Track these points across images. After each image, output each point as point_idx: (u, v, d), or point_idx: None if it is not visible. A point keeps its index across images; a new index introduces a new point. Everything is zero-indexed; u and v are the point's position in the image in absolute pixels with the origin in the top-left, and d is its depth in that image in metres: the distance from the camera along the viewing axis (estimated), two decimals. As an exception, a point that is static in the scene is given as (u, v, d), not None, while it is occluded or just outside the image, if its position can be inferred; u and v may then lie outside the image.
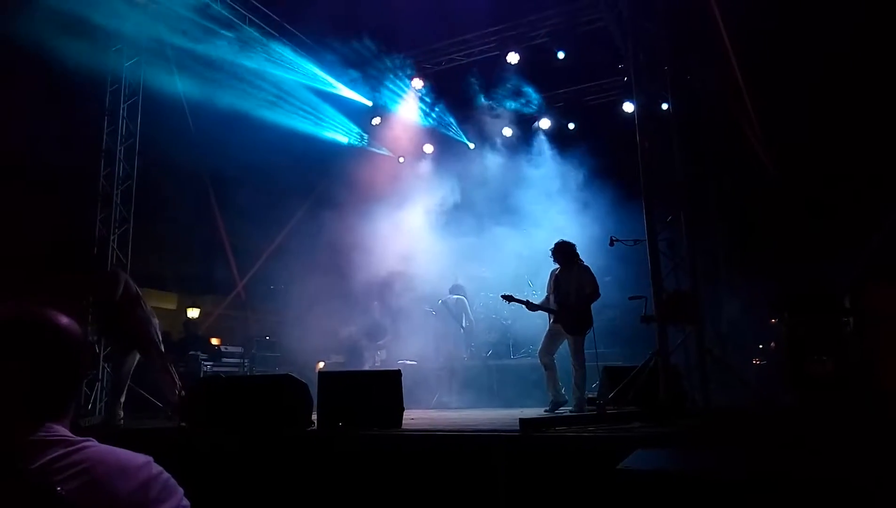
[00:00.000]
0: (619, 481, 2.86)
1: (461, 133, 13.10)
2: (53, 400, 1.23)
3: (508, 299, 7.78)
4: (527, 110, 12.35)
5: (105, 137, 8.10)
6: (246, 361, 10.43)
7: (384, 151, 13.13)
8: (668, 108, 6.05)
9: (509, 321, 10.27)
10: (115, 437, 5.56)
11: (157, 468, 1.22)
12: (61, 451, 1.13)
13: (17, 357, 1.20)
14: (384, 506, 4.62)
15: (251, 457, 5.17)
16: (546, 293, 7.45)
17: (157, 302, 23.41)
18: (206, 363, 9.76)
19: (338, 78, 11.71)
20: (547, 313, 7.33)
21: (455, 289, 10.33)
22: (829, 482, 2.57)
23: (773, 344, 6.42)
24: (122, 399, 6.44)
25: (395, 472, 4.67)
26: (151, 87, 8.75)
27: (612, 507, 3.64)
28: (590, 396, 6.94)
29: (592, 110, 12.05)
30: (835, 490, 2.48)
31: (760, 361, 10.15)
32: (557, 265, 7.35)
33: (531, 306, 7.54)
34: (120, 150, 8.05)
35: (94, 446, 1.17)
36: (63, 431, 1.19)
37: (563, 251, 7.23)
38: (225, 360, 10.24)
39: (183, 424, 5.91)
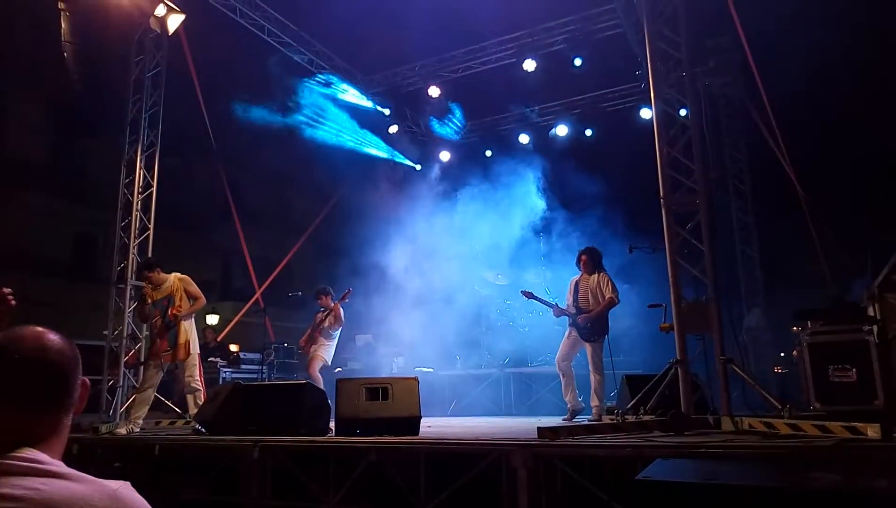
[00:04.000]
0: (638, 491, 2.84)
1: (476, 140, 13.13)
2: (34, 423, 1.19)
3: (529, 295, 7.78)
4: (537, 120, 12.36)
5: (126, 146, 8.23)
6: (264, 367, 10.49)
7: (402, 159, 13.19)
8: (687, 114, 6.01)
9: (526, 329, 10.24)
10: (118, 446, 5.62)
11: (127, 494, 1.14)
12: (20, 482, 1.07)
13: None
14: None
15: (269, 463, 5.20)
16: (566, 299, 7.44)
17: (177, 309, 23.73)
18: (224, 369, 9.85)
19: (354, 86, 11.79)
20: (567, 320, 7.31)
21: None
22: (852, 492, 2.53)
23: (794, 352, 6.32)
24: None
25: (412, 480, 4.66)
26: (171, 96, 8.87)
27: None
28: (609, 405, 6.90)
29: (610, 117, 12.01)
30: (856, 501, 2.44)
31: (782, 369, 10.02)
32: (579, 272, 7.34)
33: (546, 304, 7.51)
34: (141, 159, 8.17)
35: (63, 481, 1.10)
36: (40, 458, 1.13)
37: (592, 257, 7.22)
38: (244, 366, 10.31)
39: (202, 430, 5.96)
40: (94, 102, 14.74)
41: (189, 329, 6.66)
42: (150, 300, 6.58)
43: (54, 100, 14.97)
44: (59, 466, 1.14)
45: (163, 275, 6.63)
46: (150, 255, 8.09)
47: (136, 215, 8.04)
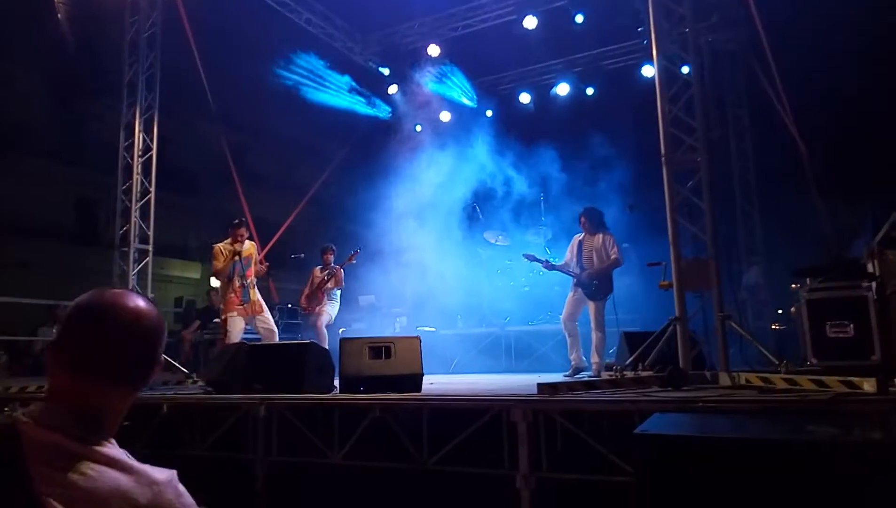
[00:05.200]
0: (636, 444, 2.91)
1: (476, 100, 12.98)
2: (108, 393, 1.16)
3: (531, 258, 7.88)
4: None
5: (124, 109, 8.16)
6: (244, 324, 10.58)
7: (401, 120, 13.07)
8: (689, 71, 5.94)
9: (527, 288, 10.32)
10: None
11: (172, 492, 1.13)
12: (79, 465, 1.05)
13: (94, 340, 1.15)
14: (405, 470, 4.74)
15: (275, 420, 5.31)
16: (565, 258, 7.49)
17: (182, 271, 23.84)
18: (230, 330, 9.94)
19: (355, 44, 11.62)
20: (569, 279, 7.38)
21: None
22: (848, 445, 2.60)
23: (793, 309, 6.38)
24: None
25: (415, 435, 4.77)
26: (170, 58, 8.77)
27: (630, 469, 3.71)
28: (608, 362, 7.01)
29: (611, 75, 11.85)
30: (852, 453, 2.50)
31: (780, 326, 10.11)
32: (581, 232, 7.38)
33: (550, 267, 7.61)
34: (140, 121, 8.11)
35: (111, 471, 1.08)
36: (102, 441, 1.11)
37: (593, 217, 7.27)
38: (248, 327, 10.41)
39: (209, 389, 6.07)
40: (90, 64, 14.58)
41: (257, 290, 7.41)
42: (238, 255, 7.16)
43: (50, 63, 14.80)
44: (111, 450, 1.12)
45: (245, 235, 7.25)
46: (152, 218, 8.12)
47: (137, 179, 8.03)
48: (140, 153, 8.09)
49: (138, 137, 8.07)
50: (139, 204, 8.03)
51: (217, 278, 7.58)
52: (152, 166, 8.20)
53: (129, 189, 7.98)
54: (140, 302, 1.23)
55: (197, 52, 8.91)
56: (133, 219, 7.92)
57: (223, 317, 7.34)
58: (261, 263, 7.56)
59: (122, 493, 1.05)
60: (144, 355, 1.22)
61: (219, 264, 7.24)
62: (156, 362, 1.25)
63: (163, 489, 1.11)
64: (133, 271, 7.94)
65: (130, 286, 7.84)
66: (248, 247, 7.38)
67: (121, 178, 8.09)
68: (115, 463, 1.09)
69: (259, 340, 7.53)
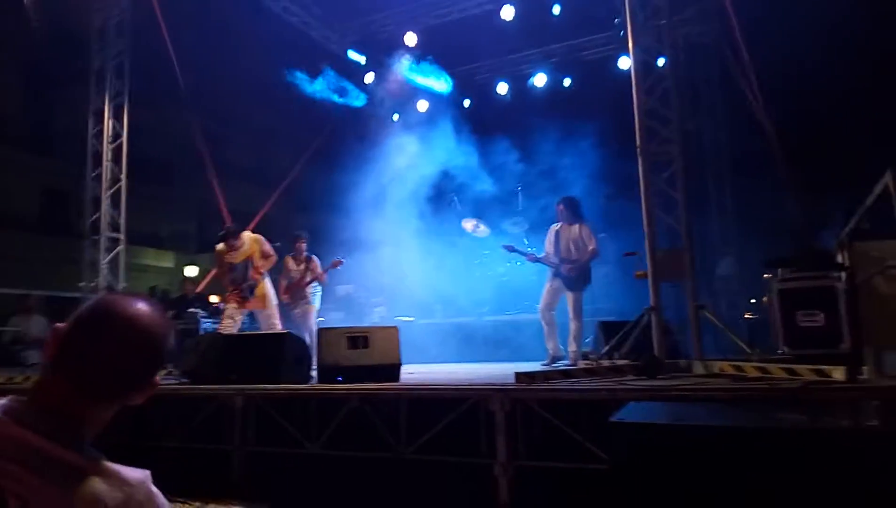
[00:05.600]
0: (611, 433, 2.95)
1: (452, 88, 12.92)
2: (95, 404, 1.14)
3: (510, 249, 7.90)
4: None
5: (92, 95, 7.98)
6: (245, 318, 10.49)
7: (378, 109, 12.99)
8: (665, 63, 5.99)
9: (505, 278, 10.36)
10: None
11: (143, 493, 1.11)
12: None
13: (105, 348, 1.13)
14: (383, 460, 4.75)
15: (252, 411, 5.28)
16: (545, 248, 7.52)
17: (155, 260, 23.50)
18: (205, 320, 9.83)
19: (332, 33, 11.49)
20: (546, 268, 7.41)
21: None
22: (817, 432, 2.66)
23: (765, 299, 6.50)
24: None
25: (394, 425, 4.78)
26: (142, 46, 8.59)
27: (606, 457, 3.76)
28: (585, 350, 7.07)
29: (588, 66, 11.90)
30: (821, 440, 2.56)
31: (753, 315, 10.30)
32: (559, 222, 7.40)
33: (532, 259, 7.63)
34: (109, 107, 7.94)
35: (86, 476, 1.06)
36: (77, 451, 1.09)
37: (570, 206, 7.28)
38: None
39: (184, 380, 6.00)
40: (58, 51, 14.23)
41: (266, 283, 7.54)
42: (231, 264, 7.33)
43: (17, 50, 14.41)
44: (86, 454, 1.10)
45: (241, 238, 7.34)
46: (123, 206, 7.98)
47: (107, 166, 7.87)
48: (110, 140, 7.93)
49: (108, 123, 7.91)
50: (110, 192, 7.87)
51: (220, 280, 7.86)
52: (123, 154, 8.03)
53: (99, 177, 7.82)
54: (139, 308, 1.18)
55: (169, 40, 8.76)
56: (104, 207, 7.77)
57: (224, 307, 7.61)
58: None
59: (92, 495, 1.04)
60: (138, 367, 1.19)
61: (217, 271, 7.58)
62: (152, 371, 1.22)
63: (134, 491, 1.09)
64: (104, 261, 7.79)
65: (101, 276, 7.70)
66: (247, 247, 7.41)
67: (90, 165, 7.92)
68: (88, 467, 1.08)
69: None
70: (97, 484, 1.06)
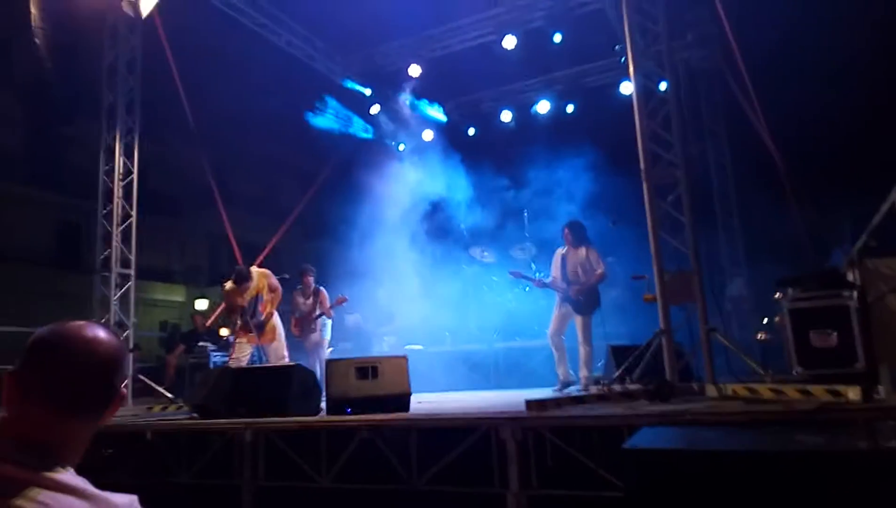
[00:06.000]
0: (625, 459, 2.91)
1: (458, 118, 13.06)
2: (64, 426, 1.15)
3: (517, 275, 7.91)
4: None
5: (103, 132, 8.11)
6: (255, 350, 10.48)
7: (384, 139, 13.12)
8: (666, 87, 6.04)
9: (513, 304, 10.32)
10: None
11: None
12: (34, 494, 1.02)
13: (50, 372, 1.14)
14: (394, 492, 4.69)
15: (262, 445, 5.24)
16: (551, 274, 7.51)
17: (165, 295, 23.61)
18: (215, 353, 9.85)
19: (335, 66, 11.67)
20: (554, 294, 7.40)
21: None
22: (835, 454, 2.61)
23: (777, 319, 6.44)
24: None
25: (404, 456, 4.73)
26: (150, 81, 8.74)
27: (620, 484, 3.70)
28: (596, 375, 7.01)
29: (591, 92, 12.00)
30: (839, 463, 2.51)
31: (765, 335, 10.19)
32: (565, 246, 7.41)
33: (540, 284, 7.64)
34: (120, 145, 8.06)
35: (70, 498, 1.05)
36: (56, 470, 1.08)
37: (575, 230, 7.30)
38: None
39: (194, 414, 5.98)
40: (70, 89, 14.50)
41: (275, 317, 7.65)
42: (243, 305, 7.40)
43: (28, 87, 14.72)
44: (66, 476, 1.10)
45: (251, 276, 7.44)
46: (133, 242, 8.05)
47: (118, 203, 7.95)
48: (121, 177, 8.03)
49: (119, 160, 8.01)
50: (121, 228, 7.94)
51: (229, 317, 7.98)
52: (133, 190, 8.12)
53: (111, 213, 7.90)
54: (99, 332, 1.21)
55: (178, 77, 8.92)
56: (114, 243, 7.83)
57: (236, 340, 7.67)
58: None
59: None
60: (99, 386, 1.20)
61: (227, 309, 7.71)
62: (113, 392, 1.23)
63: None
64: (115, 297, 7.83)
65: (112, 312, 7.74)
66: (256, 283, 7.48)
67: (101, 202, 8.00)
68: (69, 489, 1.07)
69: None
70: (78, 505, 1.05)
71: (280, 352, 7.62)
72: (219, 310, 12.12)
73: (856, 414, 3.44)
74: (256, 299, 7.50)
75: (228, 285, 7.56)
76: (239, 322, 7.51)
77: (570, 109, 12.16)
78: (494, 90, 12.51)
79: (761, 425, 3.56)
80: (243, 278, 7.37)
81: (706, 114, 11.63)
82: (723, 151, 11.57)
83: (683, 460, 2.78)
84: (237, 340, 7.60)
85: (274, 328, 7.60)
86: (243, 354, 7.53)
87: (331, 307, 8.47)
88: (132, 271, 8.04)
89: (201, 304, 20.47)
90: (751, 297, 10.57)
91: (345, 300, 8.39)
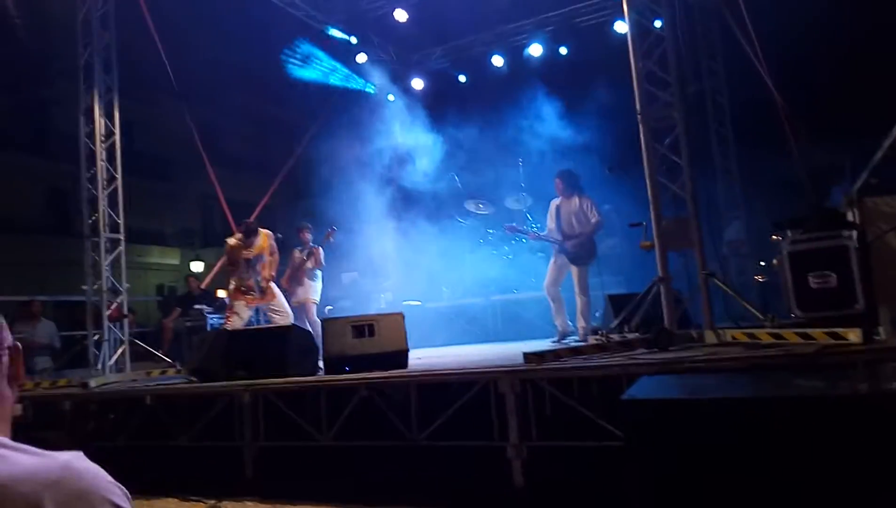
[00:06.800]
0: (623, 410, 2.87)
1: (449, 65, 12.70)
2: None
3: (512, 229, 7.82)
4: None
5: (81, 92, 7.84)
6: (251, 311, 10.44)
7: (373, 90, 12.80)
8: (662, 24, 5.81)
9: (511, 256, 10.25)
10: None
11: (77, 468, 1.02)
12: None
13: None
14: (396, 448, 4.70)
15: (261, 406, 5.24)
16: (547, 225, 7.42)
17: (160, 258, 23.54)
18: (211, 315, 9.81)
19: (318, 13, 11.25)
20: (550, 246, 7.32)
21: None
22: (836, 398, 2.57)
23: (774, 262, 6.37)
24: None
25: (404, 412, 4.73)
26: (129, 37, 8.42)
27: (620, 434, 3.68)
28: (594, 325, 6.99)
29: (584, 32, 11.62)
30: (840, 407, 2.47)
31: (763, 278, 10.17)
32: (558, 196, 7.29)
33: (535, 237, 7.57)
34: (99, 105, 7.81)
35: (8, 452, 0.98)
36: None
37: (567, 179, 7.17)
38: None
39: (192, 378, 5.97)
40: (45, 47, 14.06)
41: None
42: (246, 260, 7.30)
43: (3, 52, 14.29)
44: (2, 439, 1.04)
45: (258, 233, 7.41)
46: (120, 205, 7.89)
47: (102, 166, 7.75)
48: (102, 139, 7.80)
49: (99, 121, 7.76)
50: (106, 192, 7.76)
51: (230, 271, 7.66)
52: (117, 152, 7.91)
53: (95, 177, 7.71)
54: None
55: (155, 31, 8.60)
56: (101, 208, 7.67)
57: (232, 301, 7.49)
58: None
59: (27, 472, 0.96)
60: None
61: (231, 259, 7.42)
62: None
63: (71, 463, 1.01)
64: (106, 262, 7.72)
65: (104, 277, 7.64)
66: (260, 243, 7.41)
67: (84, 165, 7.79)
68: (9, 447, 1.00)
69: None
70: (29, 461, 0.99)
71: (280, 308, 7.50)
72: (217, 267, 12.02)
73: (856, 356, 3.39)
74: (258, 259, 7.38)
75: (233, 240, 7.43)
76: (234, 284, 7.39)
77: (563, 51, 11.81)
78: (485, 34, 12.11)
79: (760, 370, 3.52)
80: (252, 232, 7.35)
81: (703, 52, 11.30)
82: (720, 91, 11.30)
83: (682, 409, 2.74)
84: (234, 302, 7.47)
85: (272, 288, 7.51)
86: (241, 316, 7.43)
87: (321, 244, 8.36)
88: (121, 236, 7.90)
89: (196, 266, 20.43)
90: (749, 240, 10.49)
91: (333, 232, 8.24)
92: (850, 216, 5.37)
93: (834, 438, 2.39)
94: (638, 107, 5.40)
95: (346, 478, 4.80)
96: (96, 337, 7.66)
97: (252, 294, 7.38)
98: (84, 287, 7.83)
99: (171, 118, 17.37)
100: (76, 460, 1.03)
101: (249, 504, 4.74)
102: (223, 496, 4.88)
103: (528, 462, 4.19)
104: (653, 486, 2.70)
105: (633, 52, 5.48)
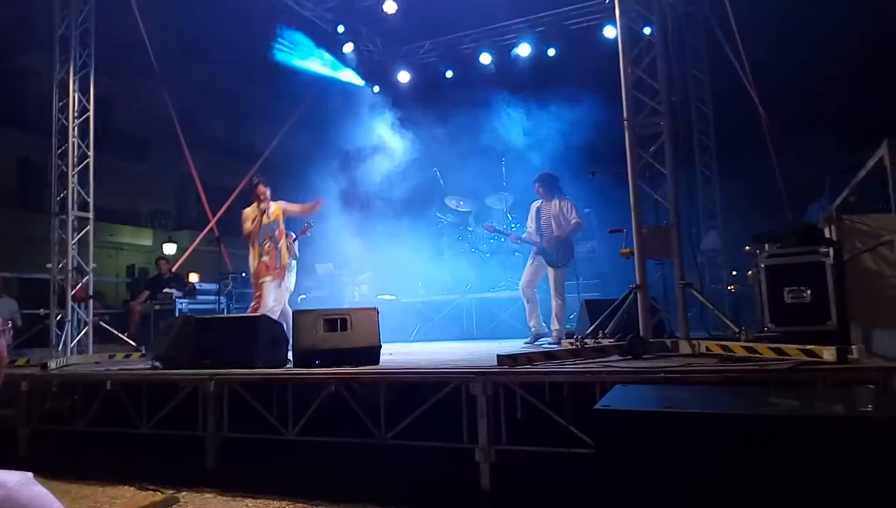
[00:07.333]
0: (596, 420, 2.82)
1: (436, 60, 12.59)
2: None
3: (491, 229, 7.81)
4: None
5: (56, 65, 7.59)
6: (222, 298, 10.28)
7: (358, 80, 12.64)
8: (652, 31, 5.77)
9: (488, 255, 10.21)
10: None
11: (26, 494, 0.95)
12: None
13: None
14: (363, 446, 4.62)
15: (226, 396, 5.11)
16: (527, 226, 7.39)
17: (133, 238, 23.08)
18: (180, 300, 9.61)
19: (306, 2, 11.07)
20: (529, 246, 7.29)
21: None
22: (810, 419, 2.54)
23: (749, 273, 6.40)
24: None
25: (373, 409, 4.64)
26: (113, 13, 8.18)
27: (591, 442, 3.64)
28: (568, 328, 6.97)
29: (573, 35, 11.59)
30: (814, 427, 2.45)
31: (734, 288, 10.26)
32: (539, 198, 7.29)
33: (515, 239, 7.55)
34: (74, 79, 7.56)
35: None
36: None
37: (546, 183, 7.18)
38: (200, 297, 10.07)
39: (157, 364, 5.81)
40: (21, 15, 13.66)
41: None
42: (263, 223, 6.91)
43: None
44: None
45: (267, 193, 7.01)
46: (91, 184, 7.67)
47: (74, 142, 7.52)
48: (76, 114, 7.56)
49: (73, 97, 7.52)
50: (77, 169, 7.53)
51: (248, 243, 7.17)
52: (90, 129, 7.68)
53: (66, 153, 7.48)
54: None
55: (137, 10, 8.41)
56: (71, 185, 7.44)
57: (257, 282, 6.99)
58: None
59: None
60: None
61: (247, 226, 6.98)
62: None
63: (15, 492, 0.94)
64: (73, 240, 7.50)
65: (70, 257, 7.42)
66: (275, 208, 7.06)
67: (55, 141, 7.55)
68: None
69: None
70: None
71: (286, 292, 7.21)
72: (189, 250, 11.77)
73: (830, 375, 3.38)
74: (274, 225, 6.98)
75: (248, 209, 7.09)
76: (254, 262, 6.88)
77: (551, 52, 11.77)
78: (474, 31, 12.02)
79: (735, 384, 3.50)
80: (261, 181, 7.06)
81: (690, 62, 11.34)
82: (705, 100, 11.36)
83: (655, 421, 2.69)
84: (261, 280, 6.91)
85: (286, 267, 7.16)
86: (272, 295, 6.87)
87: (295, 239, 8.11)
88: (90, 215, 7.67)
89: (169, 248, 20.05)
90: (724, 250, 10.58)
91: (309, 227, 7.97)
92: (827, 233, 5.40)
93: (807, 459, 2.36)
94: (625, 113, 5.36)
95: (310, 474, 4.70)
96: (59, 317, 7.43)
97: (277, 268, 6.96)
98: (49, 265, 7.60)
99: (151, 99, 17.05)
100: (22, 486, 0.95)
101: (209, 495, 4.61)
102: (182, 486, 4.75)
103: (496, 466, 4.14)
104: (623, 497, 2.65)
105: (623, 57, 5.44)
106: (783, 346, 4.03)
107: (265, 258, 6.92)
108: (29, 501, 0.94)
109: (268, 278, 6.93)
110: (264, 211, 6.97)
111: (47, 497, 0.96)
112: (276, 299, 6.96)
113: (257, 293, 6.98)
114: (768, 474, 2.39)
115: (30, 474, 0.97)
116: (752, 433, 2.48)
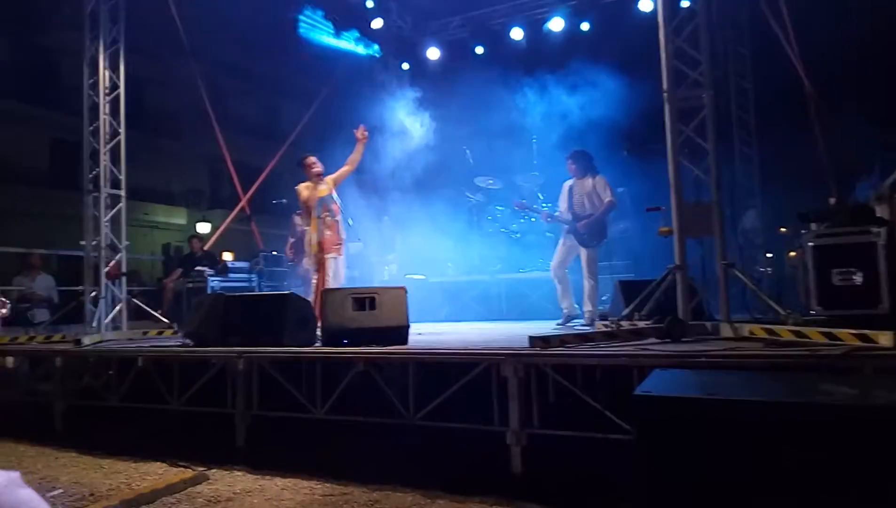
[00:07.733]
0: (636, 406, 2.68)
1: (467, 36, 12.33)
2: None
3: (522, 206, 7.64)
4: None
5: (86, 42, 7.59)
6: (253, 276, 10.33)
7: (388, 57, 12.46)
8: (691, 3, 5.51)
9: (518, 235, 10.04)
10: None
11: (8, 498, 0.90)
12: None
13: None
14: (391, 426, 4.56)
15: (255, 374, 5.09)
16: (559, 206, 7.22)
17: (167, 217, 23.40)
18: (212, 278, 9.67)
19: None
20: (560, 226, 7.12)
21: None
22: (870, 409, 2.38)
23: (793, 254, 6.15)
24: None
25: (402, 389, 4.57)
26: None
27: (627, 427, 3.51)
28: (602, 310, 6.80)
29: (607, 8, 11.23)
30: (875, 418, 2.28)
31: (769, 270, 9.96)
32: (571, 177, 7.10)
33: (547, 217, 7.38)
34: (105, 56, 7.56)
35: None
36: None
37: (580, 159, 6.98)
38: (232, 275, 10.13)
39: (188, 341, 5.83)
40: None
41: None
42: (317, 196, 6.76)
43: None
44: None
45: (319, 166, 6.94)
46: (122, 161, 7.69)
47: (105, 119, 7.54)
48: (107, 91, 7.57)
49: (103, 74, 7.52)
50: (108, 146, 7.55)
51: (306, 215, 6.99)
52: (121, 106, 7.68)
53: (97, 130, 7.50)
54: None
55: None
56: (102, 162, 7.47)
57: (319, 257, 6.72)
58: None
59: None
60: None
61: (304, 194, 6.84)
62: None
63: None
64: (106, 218, 7.55)
65: (103, 234, 7.48)
66: (328, 180, 6.91)
67: (87, 118, 7.58)
68: None
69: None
70: None
71: (341, 268, 6.94)
72: (221, 228, 11.80)
73: (889, 361, 3.18)
74: (329, 199, 6.80)
75: (301, 186, 6.97)
76: (314, 237, 6.68)
77: (584, 26, 11.43)
78: (505, 5, 11.72)
79: (783, 370, 3.32)
80: (303, 158, 7.05)
81: (730, 34, 10.92)
82: (745, 75, 10.94)
83: (699, 409, 2.55)
84: (326, 256, 6.71)
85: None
86: (341, 271, 6.79)
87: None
88: (122, 192, 7.71)
89: (203, 227, 20.27)
90: (762, 230, 10.25)
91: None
92: (879, 212, 5.13)
93: (865, 451, 2.20)
94: (665, 85, 5.12)
95: (338, 453, 4.66)
96: (93, 294, 7.51)
97: (339, 244, 6.83)
98: (82, 243, 7.67)
99: (183, 78, 17.14)
100: (4, 489, 0.86)
101: (238, 473, 4.60)
102: (212, 464, 4.75)
103: (527, 449, 4.03)
104: (663, 486, 2.52)
105: (663, 27, 5.19)
106: (834, 330, 3.82)
107: (328, 233, 6.74)
108: (16, 504, 0.85)
109: (333, 255, 6.74)
110: (317, 185, 6.83)
111: (34, 501, 0.87)
112: (337, 276, 6.80)
113: (318, 268, 6.76)
114: (824, 467, 2.24)
115: (15, 474, 0.90)
116: (808, 423, 2.32)
